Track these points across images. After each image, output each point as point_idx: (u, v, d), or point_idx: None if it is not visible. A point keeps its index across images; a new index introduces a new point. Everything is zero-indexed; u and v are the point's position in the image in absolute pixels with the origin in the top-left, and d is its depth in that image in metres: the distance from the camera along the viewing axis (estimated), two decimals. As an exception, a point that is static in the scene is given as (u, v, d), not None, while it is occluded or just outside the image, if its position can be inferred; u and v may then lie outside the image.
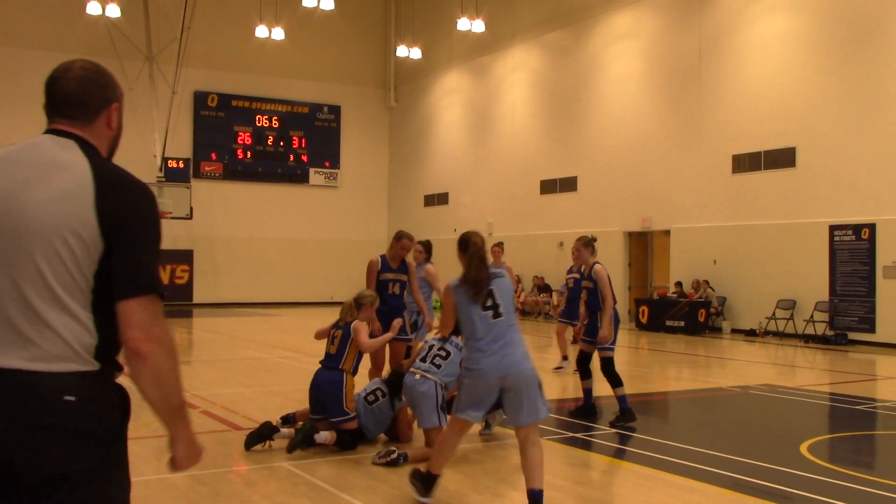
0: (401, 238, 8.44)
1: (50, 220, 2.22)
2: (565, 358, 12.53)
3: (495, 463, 7.06)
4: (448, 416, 5.97)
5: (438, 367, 7.18)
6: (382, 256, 8.46)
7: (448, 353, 7.25)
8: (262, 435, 7.16)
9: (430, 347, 7.39)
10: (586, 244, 8.93)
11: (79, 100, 2.41)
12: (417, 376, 7.16)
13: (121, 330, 2.24)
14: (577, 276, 10.71)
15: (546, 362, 13.23)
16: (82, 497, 2.22)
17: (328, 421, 7.22)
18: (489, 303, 5.39)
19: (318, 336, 7.85)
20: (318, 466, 6.76)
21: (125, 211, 2.26)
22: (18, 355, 2.20)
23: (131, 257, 2.26)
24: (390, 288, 8.27)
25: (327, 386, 7.22)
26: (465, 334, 5.51)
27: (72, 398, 2.20)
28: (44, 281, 2.22)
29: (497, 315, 5.38)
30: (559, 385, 11.30)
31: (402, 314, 8.35)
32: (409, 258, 8.67)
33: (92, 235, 2.23)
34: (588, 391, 9.03)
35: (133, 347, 2.24)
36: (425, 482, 5.68)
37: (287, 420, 7.87)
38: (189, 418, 2.41)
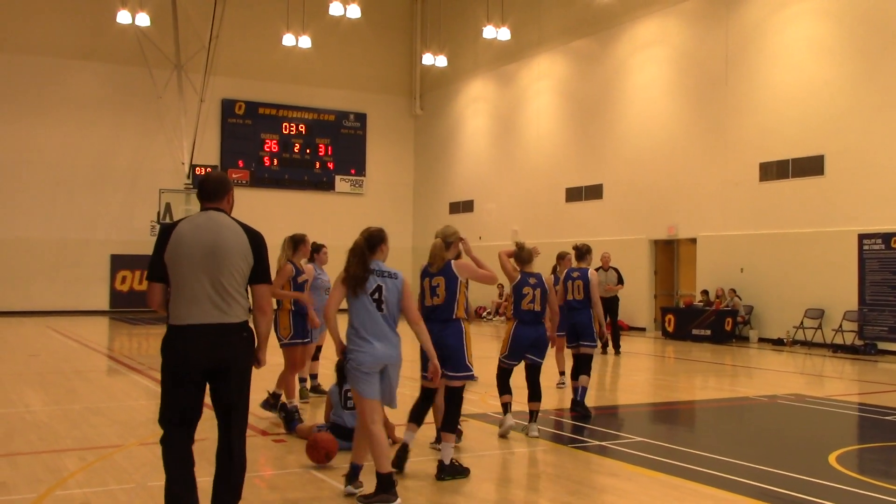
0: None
1: (234, 252, 4.77)
2: (562, 373, 12.13)
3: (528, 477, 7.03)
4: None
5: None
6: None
7: None
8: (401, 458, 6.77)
9: None
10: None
11: (216, 192, 4.94)
12: None
13: (257, 295, 4.91)
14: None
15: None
16: (246, 376, 4.88)
17: (445, 376, 6.76)
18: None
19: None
20: (342, 472, 6.77)
21: (258, 247, 4.89)
22: (222, 316, 4.73)
23: (263, 266, 4.91)
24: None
25: (451, 338, 6.77)
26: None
27: (245, 332, 4.83)
28: (231, 280, 4.75)
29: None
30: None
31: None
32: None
33: (250, 257, 4.84)
34: (574, 389, 9.66)
35: (259, 306, 4.95)
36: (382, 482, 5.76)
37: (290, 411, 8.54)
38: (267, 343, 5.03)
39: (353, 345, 5.86)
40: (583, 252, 10.16)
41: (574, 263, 10.37)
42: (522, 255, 8.20)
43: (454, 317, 6.80)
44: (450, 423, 6.74)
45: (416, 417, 6.92)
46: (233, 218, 4.91)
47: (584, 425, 9.05)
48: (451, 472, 6.58)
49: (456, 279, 6.79)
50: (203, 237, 4.73)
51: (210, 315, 4.69)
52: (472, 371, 6.83)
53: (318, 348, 10.95)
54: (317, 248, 10.53)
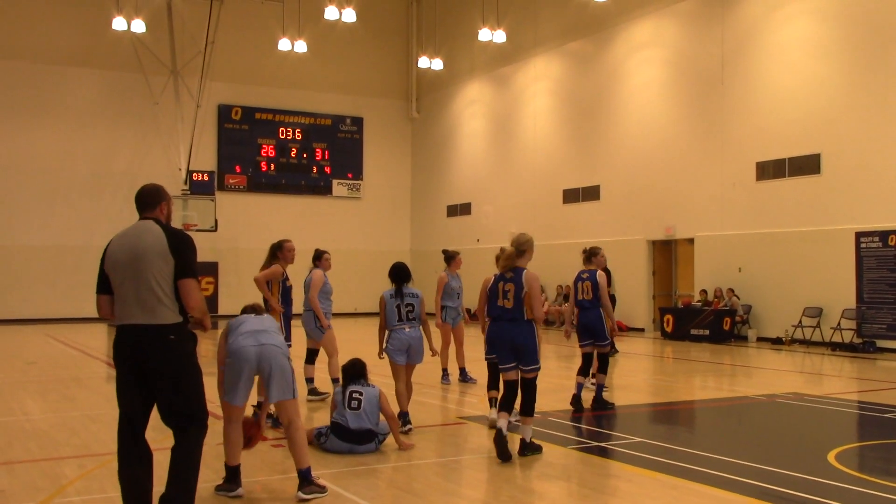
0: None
1: (152, 254, 5.01)
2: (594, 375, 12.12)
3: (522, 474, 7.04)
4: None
5: (414, 318, 8.54)
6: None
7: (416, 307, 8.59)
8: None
9: (397, 307, 8.44)
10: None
11: (148, 201, 5.26)
12: (407, 329, 8.43)
13: (181, 291, 5.01)
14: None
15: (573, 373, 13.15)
16: (184, 378, 5.04)
17: (519, 369, 7.54)
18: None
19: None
20: (343, 476, 6.78)
21: (178, 245, 5.07)
22: (148, 318, 4.97)
23: (183, 262, 5.04)
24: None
25: (524, 337, 7.46)
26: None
27: (173, 336, 5.00)
28: (157, 281, 4.98)
29: None
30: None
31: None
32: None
33: (169, 256, 5.01)
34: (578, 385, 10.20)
35: (185, 301, 5.02)
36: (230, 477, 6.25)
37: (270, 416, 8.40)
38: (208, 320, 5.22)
39: None
40: (591, 254, 10.81)
41: (583, 265, 10.77)
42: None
43: (525, 318, 7.49)
44: (528, 408, 7.52)
45: (507, 406, 7.55)
46: (161, 224, 5.18)
47: (582, 426, 9.05)
48: (531, 448, 7.48)
49: (522, 288, 7.48)
50: (127, 244, 5.11)
51: (136, 316, 4.99)
52: (540, 363, 7.59)
53: (315, 352, 10.84)
54: (318, 255, 10.53)
